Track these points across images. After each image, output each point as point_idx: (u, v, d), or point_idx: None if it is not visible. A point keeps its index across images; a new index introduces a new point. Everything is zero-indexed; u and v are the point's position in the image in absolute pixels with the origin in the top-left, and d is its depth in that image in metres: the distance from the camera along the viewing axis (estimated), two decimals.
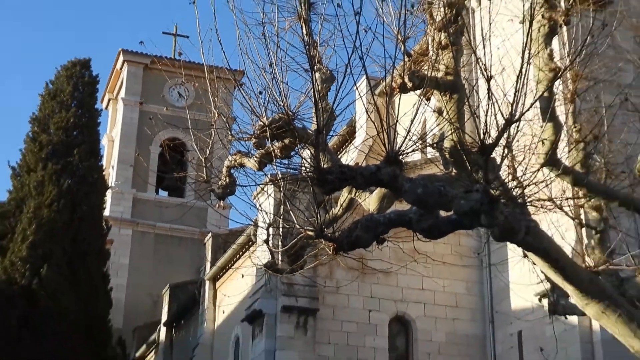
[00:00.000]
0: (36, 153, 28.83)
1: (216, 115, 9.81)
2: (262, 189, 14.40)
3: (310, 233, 8.83)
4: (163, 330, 29.98)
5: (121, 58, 40.97)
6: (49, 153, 28.71)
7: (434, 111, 9.32)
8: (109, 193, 36.04)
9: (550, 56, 9.46)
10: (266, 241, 11.78)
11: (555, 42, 10.63)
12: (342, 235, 8.62)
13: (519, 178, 10.06)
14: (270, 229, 13.05)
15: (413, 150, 8.33)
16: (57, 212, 27.18)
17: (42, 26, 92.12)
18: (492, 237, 8.51)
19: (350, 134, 26.50)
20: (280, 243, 11.93)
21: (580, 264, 10.29)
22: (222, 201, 11.43)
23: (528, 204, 10.55)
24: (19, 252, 26.04)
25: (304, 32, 9.11)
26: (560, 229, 12.18)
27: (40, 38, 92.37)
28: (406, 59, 8.38)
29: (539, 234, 8.93)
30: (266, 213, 13.12)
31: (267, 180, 11.35)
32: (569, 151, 11.94)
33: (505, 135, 7.74)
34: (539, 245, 8.93)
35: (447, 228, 8.37)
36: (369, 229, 8.57)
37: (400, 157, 8.07)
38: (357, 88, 8.61)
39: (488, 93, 7.39)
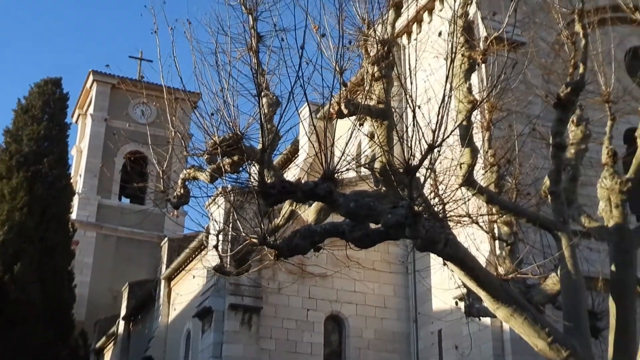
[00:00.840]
0: (8, 162, 28.55)
1: (173, 133, 9.76)
2: (213, 200, 14.37)
3: (254, 240, 8.81)
4: (122, 324, 29.74)
5: (91, 78, 40.91)
6: (21, 162, 28.49)
7: (367, 135, 9.38)
8: (76, 199, 35.95)
9: (469, 90, 9.59)
10: (215, 246, 11.73)
11: (474, 77, 10.80)
12: (282, 243, 8.64)
13: (441, 196, 10.17)
14: (220, 236, 13.00)
15: (347, 169, 8.38)
16: (28, 215, 27.20)
17: (16, 47, 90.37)
18: (416, 247, 8.60)
19: (294, 152, 26.53)
20: (228, 248, 11.85)
21: (492, 273, 10.39)
22: (176, 209, 11.37)
23: (448, 218, 10.68)
24: None
25: (253, 62, 9.14)
26: (475, 241, 12.30)
27: (15, 58, 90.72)
28: (343, 88, 8.44)
29: (457, 245, 9.03)
30: (216, 221, 13.08)
31: (217, 192, 11.35)
32: (485, 173, 12.07)
33: (429, 158, 7.84)
34: (456, 255, 9.03)
35: (375, 238, 8.44)
36: (306, 238, 8.60)
37: (336, 175, 8.12)
38: (299, 113, 8.65)
39: (413, 121, 7.49)
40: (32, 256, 26.55)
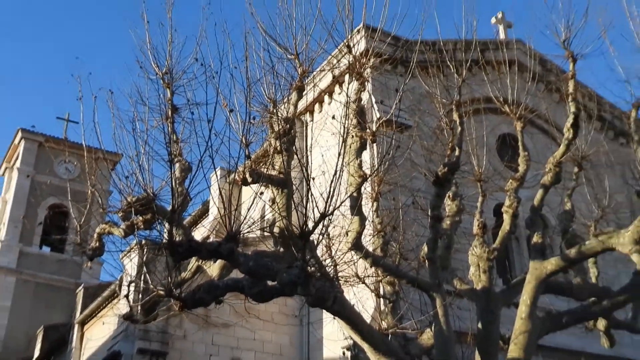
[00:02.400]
0: None
1: (90, 190, 9.59)
2: (127, 253, 14.10)
3: (161, 292, 8.64)
4: None
5: (19, 135, 39.93)
6: None
7: (268, 202, 9.43)
8: None
9: (360, 165, 9.78)
10: (126, 296, 11.48)
11: (365, 153, 11.01)
12: (187, 296, 8.50)
13: (333, 257, 10.25)
14: (131, 286, 12.73)
15: (249, 231, 8.39)
16: None
17: None
18: (307, 303, 8.62)
19: (205, 212, 26.27)
20: (139, 298, 11.61)
21: (375, 327, 10.47)
22: (90, 261, 11.10)
23: (338, 278, 10.75)
24: None
25: (168, 130, 9.10)
26: (361, 298, 12.40)
27: None
28: (248, 159, 8.48)
29: (344, 303, 9.09)
30: (128, 273, 12.85)
31: (131, 247, 11.18)
32: (372, 238, 12.25)
33: (321, 224, 7.91)
34: (343, 312, 9.08)
35: (272, 294, 8.42)
36: (209, 292, 8.50)
37: (239, 235, 8.10)
38: (206, 179, 8.61)
39: (308, 191, 7.57)
40: None
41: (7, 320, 35.25)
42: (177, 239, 8.26)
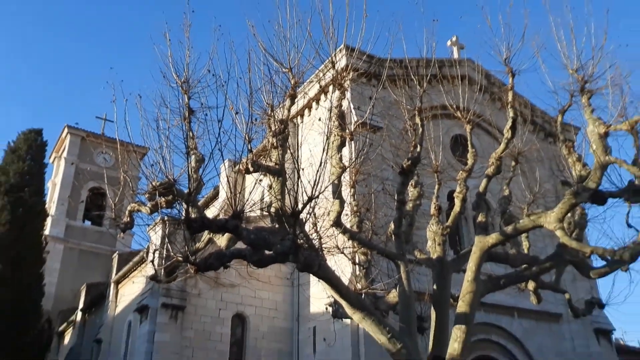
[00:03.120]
0: None
1: (122, 177, 9.52)
2: (153, 227, 14.02)
3: (180, 259, 8.60)
4: (79, 314, 28.40)
5: (66, 130, 39.90)
6: (7, 189, 27.37)
7: (267, 187, 9.37)
8: (49, 220, 34.80)
9: (340, 159, 9.76)
10: (152, 261, 11.50)
11: (345, 150, 11.00)
12: (200, 262, 8.46)
13: (318, 232, 10.25)
14: (156, 254, 12.67)
15: (250, 211, 8.35)
16: (10, 229, 25.99)
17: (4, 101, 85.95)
18: (297, 269, 8.60)
19: (216, 195, 26.18)
20: (162, 263, 11.53)
21: (351, 288, 10.47)
22: (123, 232, 11.03)
23: (323, 249, 10.74)
24: None
25: (186, 129, 9.03)
26: (341, 265, 12.40)
27: (5, 111, 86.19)
28: (250, 153, 8.43)
29: (327, 268, 9.09)
30: (154, 243, 12.81)
31: (155, 222, 11.13)
32: (350, 217, 12.24)
33: (309, 205, 7.90)
34: (325, 275, 9.07)
35: (268, 261, 8.39)
36: (218, 259, 8.46)
37: (242, 214, 8.07)
38: (215, 167, 8.56)
39: (298, 179, 7.56)
40: (10, 261, 25.30)
41: (57, 279, 35.49)
42: (193, 216, 8.23)
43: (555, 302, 19.65)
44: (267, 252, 8.38)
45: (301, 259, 7.85)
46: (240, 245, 9.11)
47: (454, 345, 9.73)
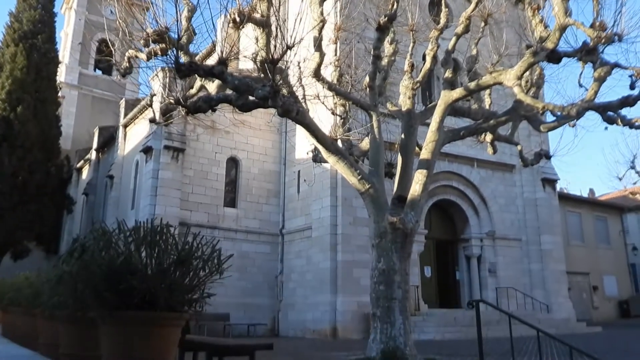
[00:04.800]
0: (12, 35, 26.63)
1: (119, 24, 9.10)
2: (154, 76, 13.69)
3: (171, 101, 8.49)
4: (94, 153, 28.76)
5: None
6: (21, 36, 26.62)
7: (253, 39, 9.02)
8: (64, 68, 34.22)
9: (321, 13, 9.31)
10: (151, 105, 11.38)
11: (328, 4, 10.46)
12: (190, 104, 8.37)
13: (300, 79, 10.07)
14: (154, 99, 12.52)
15: (235, 59, 8.09)
16: (27, 74, 25.72)
17: None
18: (278, 114, 8.50)
19: (214, 48, 25.47)
20: (159, 107, 11.40)
21: (328, 135, 10.46)
22: (123, 77, 10.80)
23: (305, 98, 10.61)
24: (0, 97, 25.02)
25: None
26: (322, 117, 12.34)
27: None
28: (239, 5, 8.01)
29: (304, 114, 9.01)
30: (154, 90, 12.59)
31: (156, 72, 10.87)
32: (333, 71, 11.98)
33: (287, 54, 7.65)
34: (304, 121, 9.02)
35: (252, 106, 8.28)
36: (206, 102, 8.36)
37: (227, 60, 7.83)
38: (212, 20, 8.13)
39: (277, 29, 7.25)
40: (30, 102, 25.36)
41: (73, 122, 35.72)
42: (183, 61, 7.97)
43: (510, 154, 20.01)
44: (250, 97, 8.25)
45: (279, 104, 7.74)
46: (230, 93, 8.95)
47: (415, 187, 9.94)
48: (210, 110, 8.48)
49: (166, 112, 10.72)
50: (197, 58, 9.30)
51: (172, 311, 5.10)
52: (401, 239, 9.60)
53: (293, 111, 8.35)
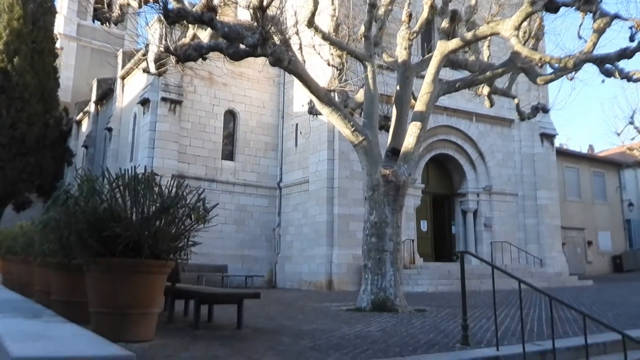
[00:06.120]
0: None
1: None
2: (150, 26, 13.39)
3: (162, 50, 8.29)
4: (93, 105, 28.40)
5: None
6: None
7: None
8: (62, 19, 33.45)
9: None
10: (144, 55, 11.19)
11: None
12: (180, 52, 8.17)
13: (296, 26, 9.81)
14: (149, 48, 12.30)
15: (225, 5, 7.85)
16: (23, 24, 25.11)
17: None
18: (269, 63, 8.31)
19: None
20: (152, 57, 11.18)
21: (321, 86, 10.28)
22: (115, 25, 10.62)
23: (300, 47, 10.36)
24: None
25: None
26: (317, 68, 12.12)
27: None
28: None
29: (297, 64, 8.82)
30: (148, 40, 12.32)
31: (152, 22, 10.63)
32: (330, 22, 11.69)
33: (280, 1, 7.41)
34: (296, 71, 8.84)
35: (242, 55, 8.09)
36: (197, 50, 8.16)
37: (217, 7, 7.60)
38: None
39: None
40: (27, 53, 24.89)
41: (73, 74, 35.37)
42: (172, 7, 7.74)
43: (509, 108, 19.74)
44: (242, 46, 8.04)
45: (268, 52, 7.54)
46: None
47: (409, 140, 9.82)
48: (201, 59, 8.28)
49: (158, 60, 10.53)
50: (195, 9, 9.08)
51: (157, 259, 5.12)
52: (393, 192, 9.55)
53: (284, 60, 8.16)
